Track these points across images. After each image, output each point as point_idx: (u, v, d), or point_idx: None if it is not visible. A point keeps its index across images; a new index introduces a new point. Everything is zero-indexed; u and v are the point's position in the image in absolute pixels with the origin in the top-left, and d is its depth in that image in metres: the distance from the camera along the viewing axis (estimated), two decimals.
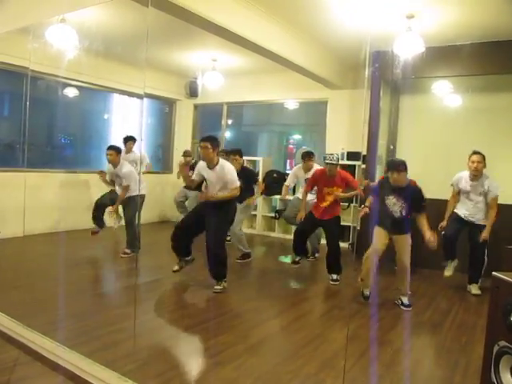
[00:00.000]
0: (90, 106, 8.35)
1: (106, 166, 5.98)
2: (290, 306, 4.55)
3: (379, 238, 4.39)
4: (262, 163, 8.35)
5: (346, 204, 7.45)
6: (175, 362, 2.98)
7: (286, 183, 6.51)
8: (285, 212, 6.69)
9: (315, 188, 5.46)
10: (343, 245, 7.38)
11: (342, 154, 7.52)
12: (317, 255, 6.46)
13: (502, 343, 1.90)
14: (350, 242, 7.23)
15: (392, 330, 3.89)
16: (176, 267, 4.83)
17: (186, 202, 7.55)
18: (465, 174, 5.03)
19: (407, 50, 5.22)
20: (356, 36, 5.30)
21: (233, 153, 5.82)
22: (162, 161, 9.76)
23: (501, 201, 5.23)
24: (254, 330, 3.66)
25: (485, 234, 4.81)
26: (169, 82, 8.89)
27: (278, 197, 8.12)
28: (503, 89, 6.18)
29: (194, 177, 4.79)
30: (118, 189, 5.90)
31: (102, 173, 5.99)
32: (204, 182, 4.84)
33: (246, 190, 5.56)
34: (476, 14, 4.84)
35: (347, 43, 5.75)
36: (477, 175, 4.89)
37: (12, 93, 6.70)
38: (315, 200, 5.41)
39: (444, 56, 5.80)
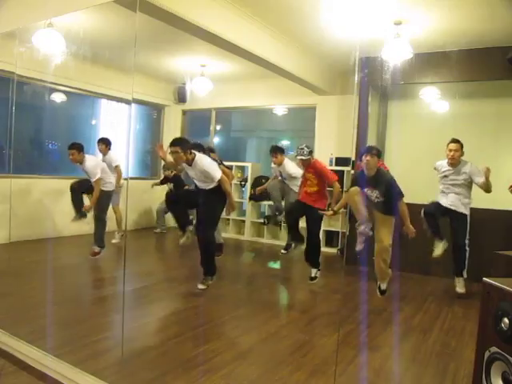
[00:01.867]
0: (77, 112, 8.29)
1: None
2: (279, 312, 4.53)
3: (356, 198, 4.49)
4: (250, 169, 8.34)
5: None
6: (163, 370, 2.94)
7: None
8: (268, 189, 6.77)
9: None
10: (332, 250, 7.40)
11: (331, 160, 7.54)
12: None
13: (493, 349, 1.90)
14: (339, 247, 7.23)
15: (381, 335, 3.88)
16: (183, 239, 4.83)
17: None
18: (445, 162, 5.13)
19: (395, 56, 5.26)
20: (345, 42, 5.33)
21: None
22: (150, 167, 9.72)
23: (488, 206, 5.28)
24: (243, 337, 3.64)
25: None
26: (157, 88, 8.86)
27: (266, 202, 8.11)
28: (490, 95, 6.23)
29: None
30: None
31: None
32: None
33: None
34: (463, 20, 4.88)
35: (336, 49, 5.77)
36: (454, 163, 5.00)
37: None
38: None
39: (432, 62, 5.84)
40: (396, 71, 5.55)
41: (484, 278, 2.02)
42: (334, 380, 2.81)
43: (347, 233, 5.89)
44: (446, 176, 5.09)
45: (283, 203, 6.52)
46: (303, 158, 5.12)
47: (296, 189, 5.89)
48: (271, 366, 3.10)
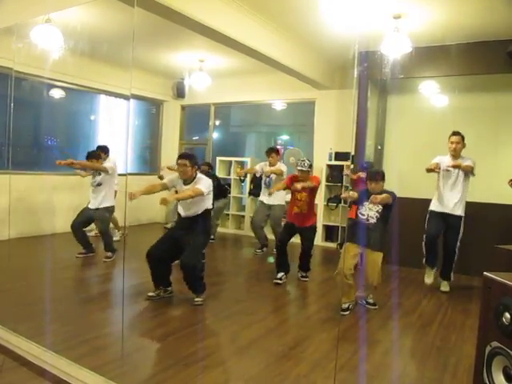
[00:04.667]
0: (76, 107, 8.27)
1: None
2: (278, 307, 4.53)
3: (349, 257, 4.25)
4: (249, 164, 8.33)
5: (334, 204, 7.46)
6: (163, 365, 2.94)
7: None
8: (252, 218, 6.86)
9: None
10: (332, 245, 7.40)
11: (330, 155, 7.54)
12: (264, 249, 6.80)
13: (495, 344, 1.89)
14: (339, 242, 7.22)
15: (381, 330, 3.89)
16: (151, 293, 4.34)
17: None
18: (446, 157, 5.11)
19: (395, 50, 5.24)
20: (344, 36, 5.31)
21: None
22: (149, 162, 9.70)
23: (488, 200, 5.27)
24: (243, 332, 3.63)
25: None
26: (156, 83, 8.84)
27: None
28: (489, 89, 6.22)
29: (166, 181, 4.50)
30: (92, 194, 5.83)
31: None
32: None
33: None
34: (463, 14, 4.86)
35: (335, 44, 5.75)
36: (456, 155, 5.01)
37: None
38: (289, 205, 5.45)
39: (431, 56, 5.82)
40: (395, 65, 5.54)
41: (485, 273, 2.01)
42: (334, 375, 2.81)
43: (346, 228, 5.90)
44: (448, 170, 5.07)
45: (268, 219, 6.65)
46: (303, 169, 5.08)
47: (277, 202, 6.23)
48: (271, 361, 3.10)
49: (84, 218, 5.78)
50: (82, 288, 4.96)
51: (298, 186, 4.92)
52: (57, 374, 2.70)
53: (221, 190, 6.76)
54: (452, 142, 5.01)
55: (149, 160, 9.74)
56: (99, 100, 8.46)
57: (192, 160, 4.35)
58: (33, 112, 7.32)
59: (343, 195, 4.63)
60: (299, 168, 5.11)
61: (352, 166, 6.30)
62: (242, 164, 8.64)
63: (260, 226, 6.65)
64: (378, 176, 4.35)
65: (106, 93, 8.08)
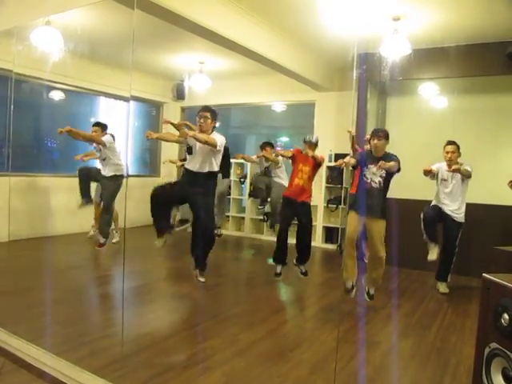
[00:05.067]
0: (76, 109, 8.26)
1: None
2: (278, 309, 4.53)
3: (352, 224, 4.27)
4: (249, 166, 8.32)
5: (334, 205, 7.47)
6: (163, 367, 2.94)
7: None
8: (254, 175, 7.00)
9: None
10: (332, 246, 7.41)
11: (330, 156, 7.54)
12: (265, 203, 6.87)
13: (493, 345, 1.90)
14: (339, 243, 7.23)
15: (381, 331, 3.89)
16: (159, 243, 4.55)
17: None
18: (444, 164, 5.12)
19: (394, 52, 5.24)
20: (343, 38, 5.29)
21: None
22: (149, 164, 9.69)
23: (487, 201, 5.27)
24: (243, 333, 3.63)
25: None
26: (155, 85, 8.84)
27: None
28: (488, 90, 6.22)
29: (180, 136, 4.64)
30: (101, 167, 5.90)
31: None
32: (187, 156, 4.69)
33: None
34: (462, 16, 4.87)
35: (334, 45, 5.75)
36: (451, 165, 4.96)
37: None
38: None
39: (430, 58, 5.83)
40: (394, 67, 5.54)
41: (484, 274, 2.02)
42: (334, 377, 2.81)
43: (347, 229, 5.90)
44: (445, 180, 5.08)
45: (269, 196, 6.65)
46: (312, 140, 5.18)
47: (278, 180, 6.26)
48: (272, 362, 3.10)
49: (93, 171, 5.97)
50: (82, 290, 4.96)
51: (310, 151, 5.10)
52: (57, 377, 2.70)
53: (227, 159, 6.64)
54: (447, 152, 5.02)
55: (149, 162, 9.72)
56: (99, 102, 8.45)
57: (213, 114, 4.59)
58: (33, 114, 7.32)
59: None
60: (307, 140, 5.20)
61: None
62: (241, 166, 8.63)
63: (260, 181, 6.71)
64: (382, 133, 4.32)
65: (106, 95, 8.07)
